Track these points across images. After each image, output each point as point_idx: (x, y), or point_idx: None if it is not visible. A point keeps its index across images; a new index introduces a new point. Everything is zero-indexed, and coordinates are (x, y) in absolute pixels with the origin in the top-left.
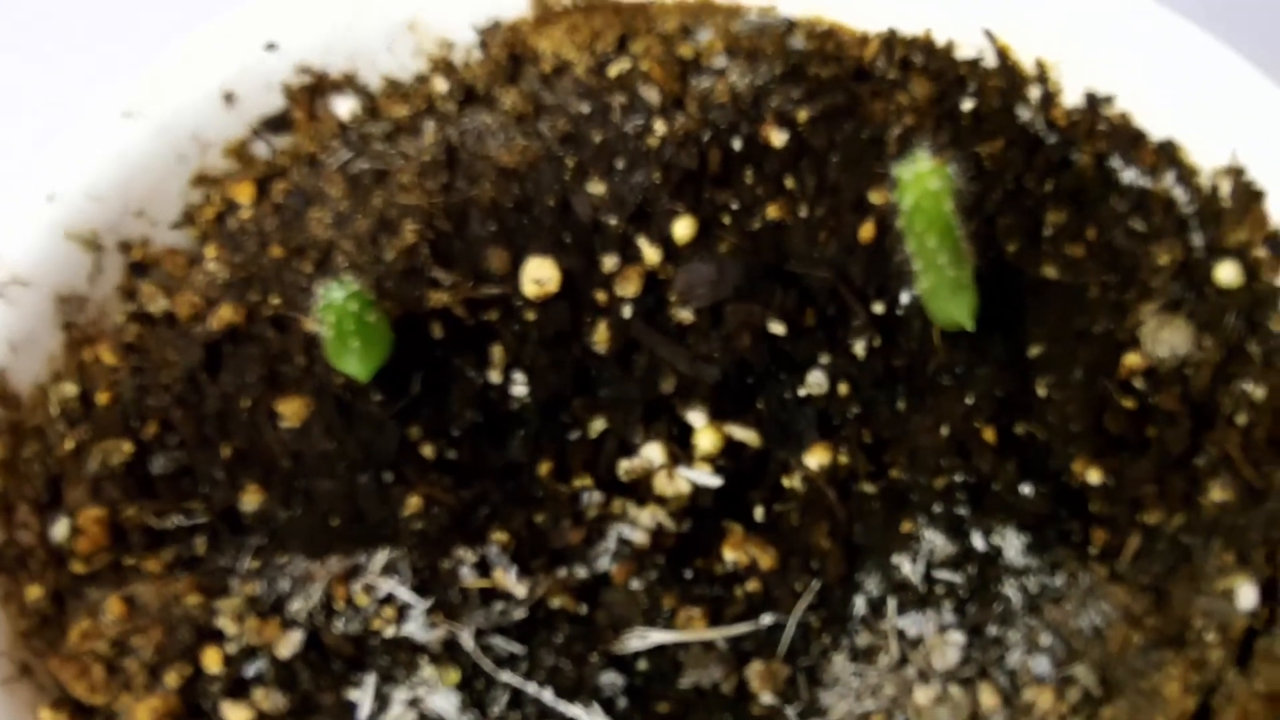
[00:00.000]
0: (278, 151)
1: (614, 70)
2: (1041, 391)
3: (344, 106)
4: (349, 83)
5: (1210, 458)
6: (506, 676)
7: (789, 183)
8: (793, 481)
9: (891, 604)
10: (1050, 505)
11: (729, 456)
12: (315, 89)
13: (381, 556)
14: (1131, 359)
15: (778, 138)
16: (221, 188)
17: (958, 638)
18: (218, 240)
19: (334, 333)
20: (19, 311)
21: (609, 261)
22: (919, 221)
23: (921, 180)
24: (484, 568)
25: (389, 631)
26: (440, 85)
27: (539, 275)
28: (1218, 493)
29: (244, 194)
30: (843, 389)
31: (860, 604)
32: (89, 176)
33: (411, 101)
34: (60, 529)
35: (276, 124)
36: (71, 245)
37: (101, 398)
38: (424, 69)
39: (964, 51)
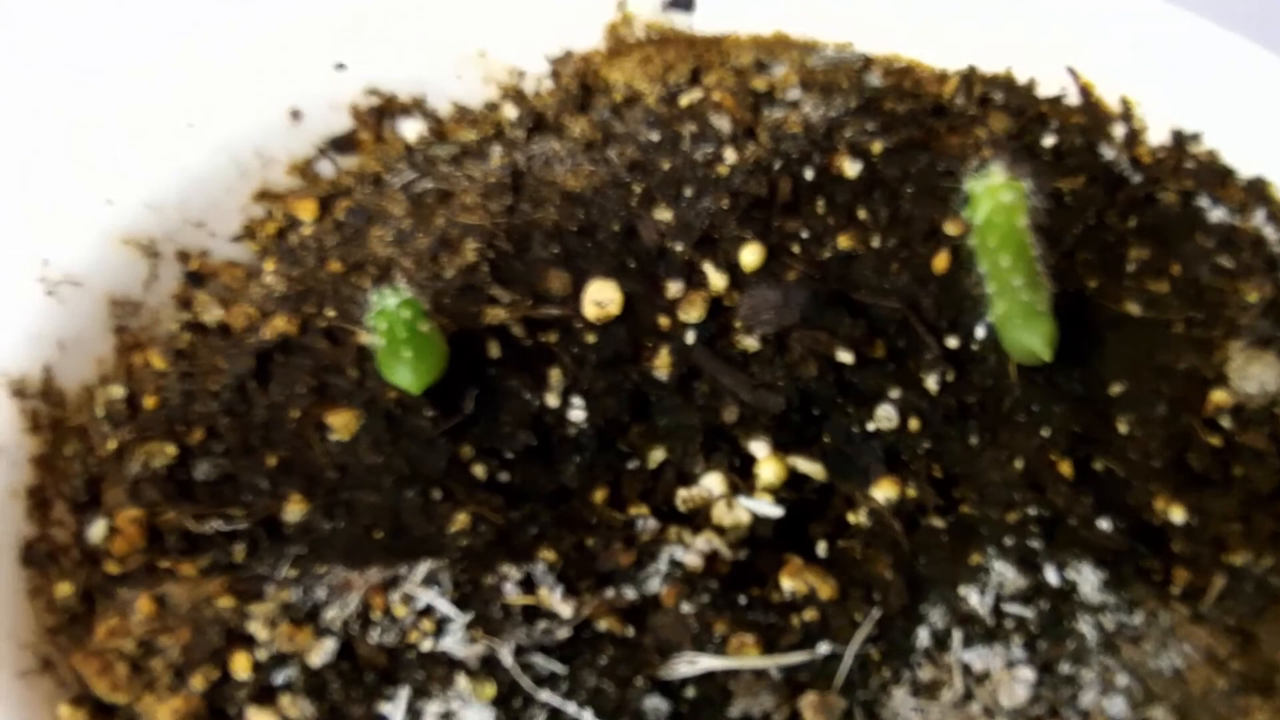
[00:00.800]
0: (342, 171)
1: (685, 100)
2: (1122, 428)
3: (411, 129)
4: (417, 106)
5: None
6: (545, 696)
7: (861, 213)
8: (858, 516)
9: (957, 636)
10: (1129, 541)
11: (791, 489)
12: (383, 111)
13: (423, 568)
14: (1218, 396)
15: (850, 168)
16: (284, 204)
17: (1027, 674)
18: (277, 255)
19: (386, 340)
20: (70, 311)
21: (673, 287)
22: (992, 237)
23: (994, 193)
24: (529, 585)
25: (426, 645)
26: (510, 112)
27: (600, 297)
28: None
29: (306, 210)
30: (913, 424)
31: (924, 636)
32: (149, 185)
33: (479, 127)
34: (97, 529)
35: (343, 144)
36: (128, 251)
37: (148, 401)
38: (494, 96)
39: (1046, 89)
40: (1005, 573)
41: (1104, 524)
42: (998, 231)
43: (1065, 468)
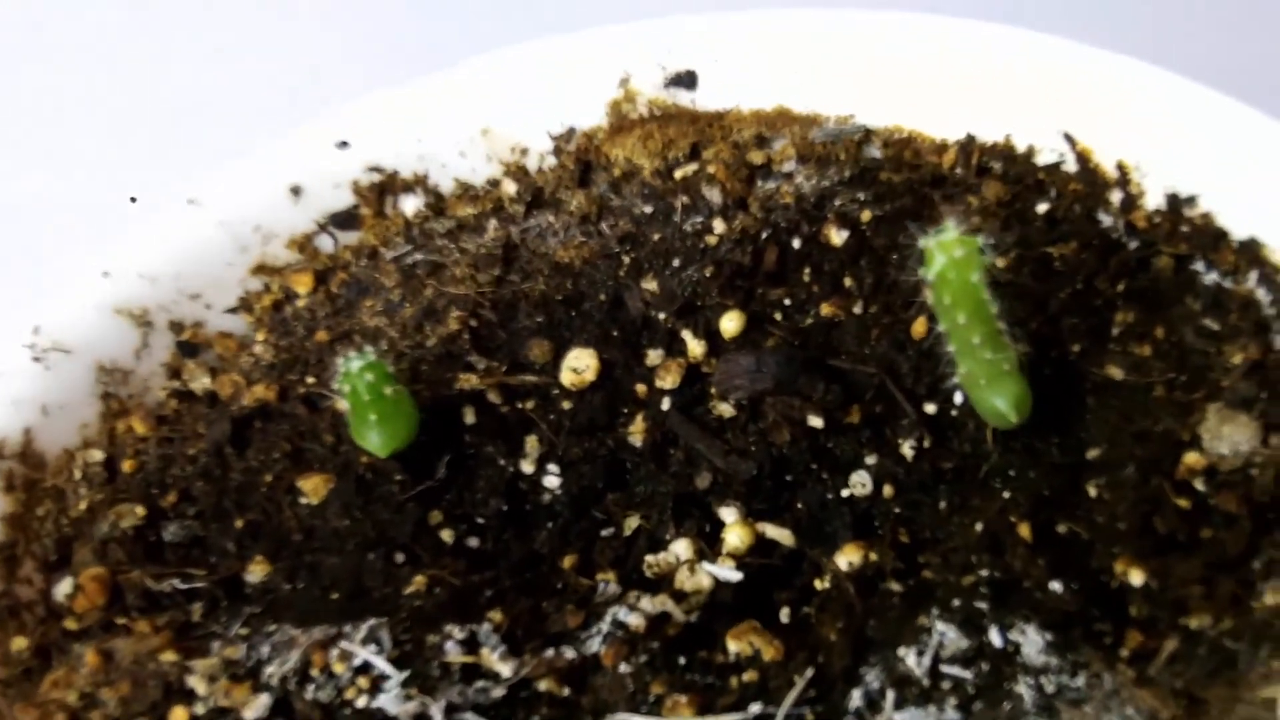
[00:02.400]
0: (341, 245)
1: (680, 173)
2: (1091, 490)
3: (411, 205)
4: (419, 183)
5: (1267, 560)
6: None
7: (846, 280)
8: (824, 583)
9: (890, 697)
10: (1082, 603)
11: (760, 554)
12: (384, 188)
13: (366, 626)
14: (1191, 458)
15: (838, 236)
16: (281, 277)
17: None
18: (269, 326)
19: (352, 404)
20: (57, 377)
21: (653, 354)
22: (946, 293)
23: (946, 249)
24: (472, 644)
25: (361, 701)
26: (510, 188)
27: (578, 364)
28: (1271, 596)
29: (303, 284)
30: (888, 490)
31: (858, 697)
32: (146, 257)
33: (480, 203)
34: (64, 587)
35: (343, 220)
36: (120, 320)
37: (126, 465)
38: (496, 173)
39: (1045, 156)
40: (947, 633)
41: (1056, 586)
42: (951, 287)
43: (1025, 530)
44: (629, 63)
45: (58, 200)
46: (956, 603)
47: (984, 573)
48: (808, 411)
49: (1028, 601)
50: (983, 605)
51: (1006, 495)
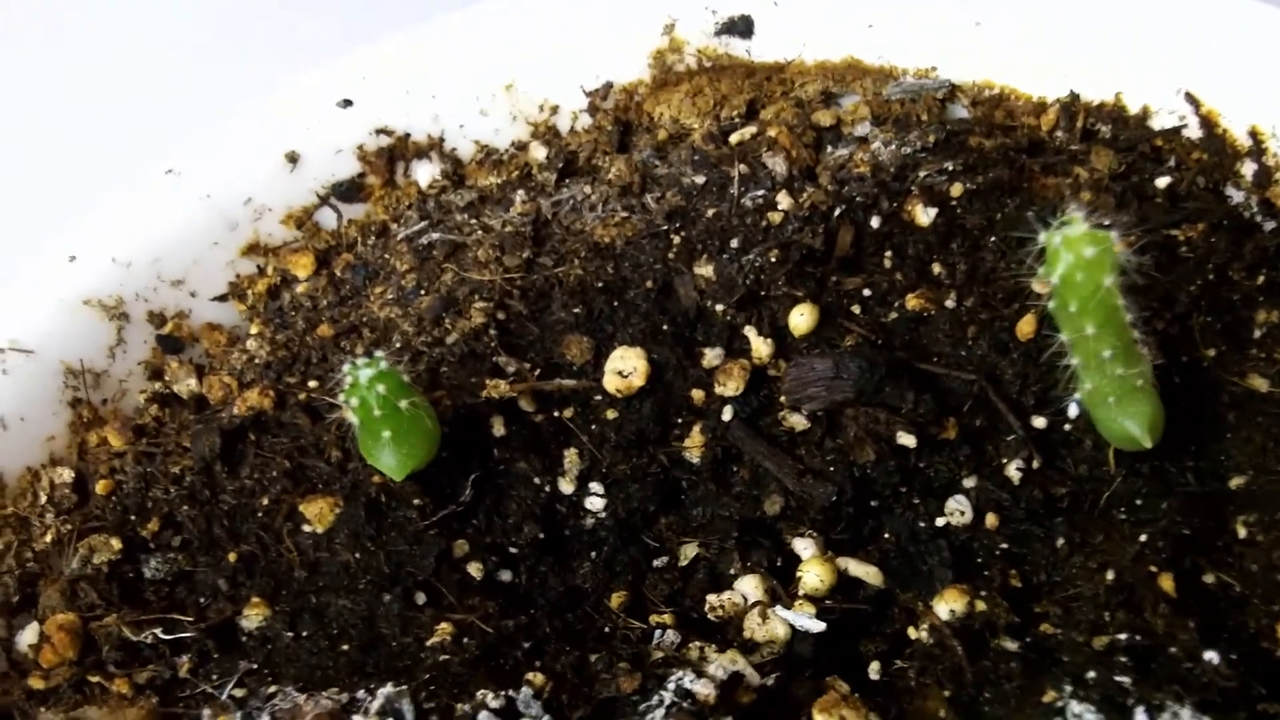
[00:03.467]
0: (346, 221)
1: (737, 138)
2: (1240, 530)
3: (425, 173)
4: (434, 148)
5: None
6: None
7: (935, 268)
8: (919, 632)
9: None
10: (1242, 678)
11: (841, 596)
12: (394, 153)
13: (384, 694)
14: None
15: (924, 215)
16: (278, 259)
17: None
18: (264, 316)
19: (361, 419)
20: (16, 383)
21: (710, 354)
22: (1072, 300)
23: (1074, 247)
24: (510, 715)
25: None
26: (538, 153)
27: (623, 367)
28: None
29: (302, 266)
30: (991, 520)
31: None
32: (119, 238)
33: (504, 170)
34: (28, 635)
35: (348, 190)
36: (90, 312)
37: (100, 486)
38: (522, 135)
39: (1162, 119)
40: (1084, 716)
41: (1211, 656)
42: (1079, 293)
43: (1167, 582)
44: (674, 6)
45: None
46: (1091, 675)
47: (1121, 636)
48: (896, 426)
49: (1176, 674)
50: (1124, 679)
51: (1143, 538)
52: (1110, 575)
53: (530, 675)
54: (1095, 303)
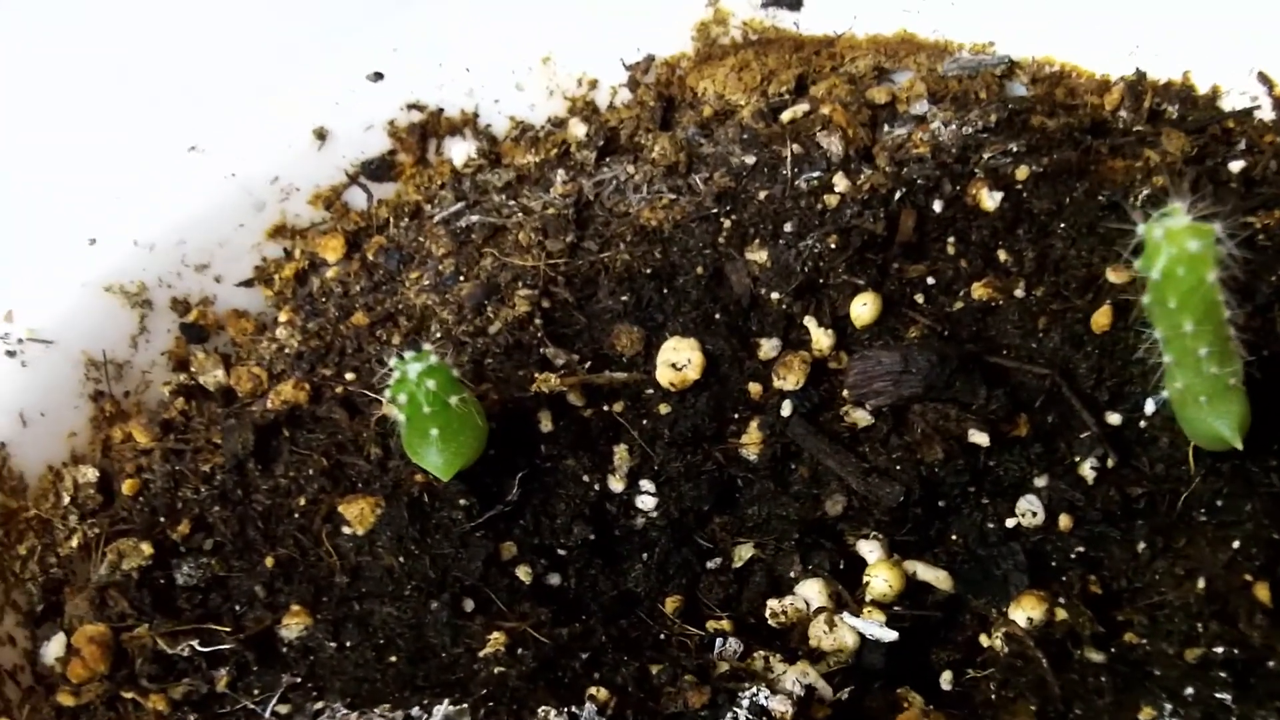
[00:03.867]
0: (377, 201)
1: (788, 115)
2: None
3: (460, 151)
4: (468, 124)
5: None
6: None
7: (1002, 255)
8: (993, 640)
9: None
10: None
11: (910, 602)
12: (427, 129)
13: (442, 711)
14: None
15: (989, 199)
16: (305, 241)
17: None
18: (294, 303)
19: (408, 416)
20: (36, 376)
21: (766, 345)
22: (1172, 295)
23: (1176, 240)
24: None
25: None
26: (577, 130)
27: (677, 359)
28: None
29: (332, 249)
30: (1064, 521)
31: None
32: (141, 220)
33: (541, 148)
34: (54, 646)
35: (378, 169)
36: (112, 299)
37: (126, 486)
38: (560, 111)
39: (1232, 100)
40: None
41: None
42: (1179, 288)
43: (1262, 591)
44: None
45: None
46: (1189, 691)
47: (1216, 649)
48: (967, 423)
49: (1279, 690)
50: (1224, 696)
51: (1236, 544)
52: (1201, 583)
53: (593, 690)
54: (1197, 299)
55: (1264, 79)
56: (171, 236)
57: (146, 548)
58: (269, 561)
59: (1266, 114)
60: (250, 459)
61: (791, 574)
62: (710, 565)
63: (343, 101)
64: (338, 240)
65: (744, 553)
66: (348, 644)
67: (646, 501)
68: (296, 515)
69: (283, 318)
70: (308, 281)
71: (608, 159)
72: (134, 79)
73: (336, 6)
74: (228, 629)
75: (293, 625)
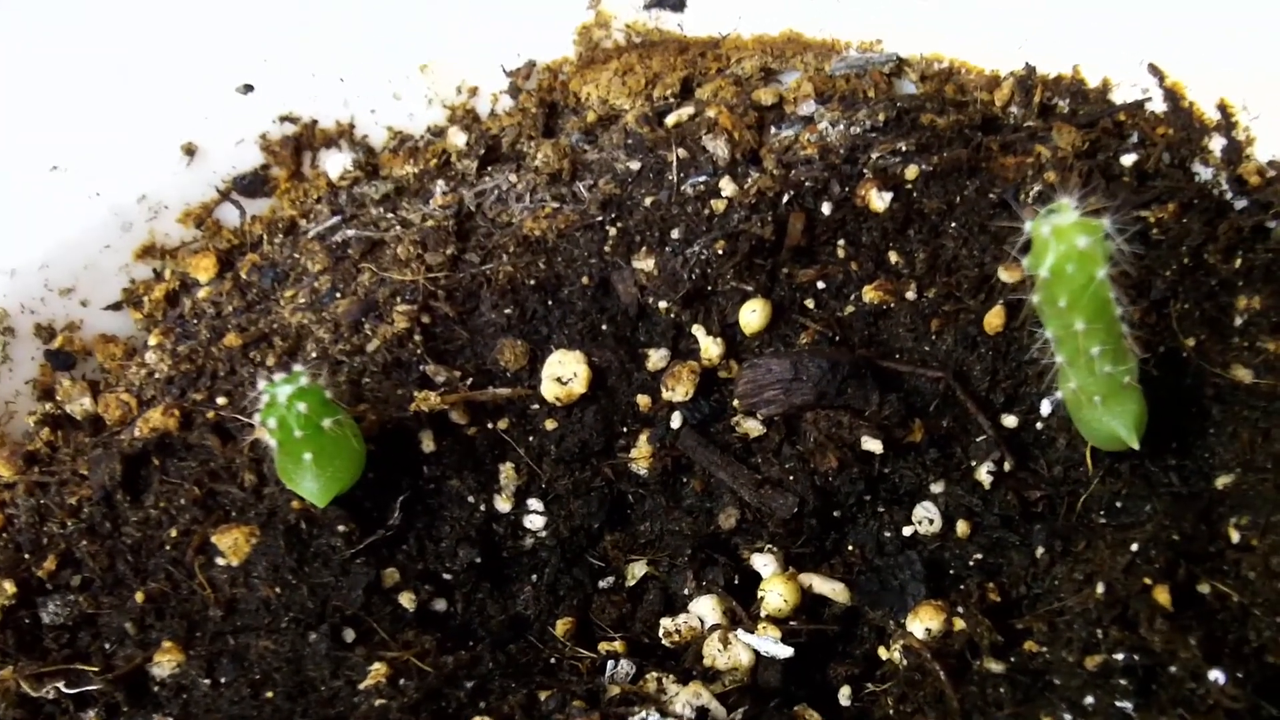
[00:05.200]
0: (250, 218)
1: (673, 119)
2: (1233, 534)
3: (335, 163)
4: (344, 135)
5: None
6: None
7: (893, 257)
8: (891, 653)
9: None
10: (1251, 699)
11: (806, 616)
12: (301, 141)
13: None
14: None
15: (879, 200)
16: (176, 261)
17: None
18: (164, 325)
19: (280, 442)
20: None
21: (655, 356)
22: (1061, 293)
23: (1064, 237)
24: None
25: None
26: (457, 139)
27: (562, 373)
28: None
29: (203, 269)
30: (962, 528)
31: None
32: (2, 245)
33: (421, 158)
34: None
35: (251, 184)
36: None
37: None
38: (439, 119)
39: (1123, 93)
40: None
41: (1216, 675)
42: (1069, 286)
43: (1162, 595)
44: None
45: None
46: (1089, 700)
47: (1117, 655)
48: (860, 430)
49: (1181, 696)
50: (1125, 704)
51: (1134, 546)
52: (1100, 588)
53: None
54: (1087, 296)
55: (1154, 70)
56: (34, 260)
57: (10, 586)
58: (139, 597)
59: (1158, 106)
60: (119, 490)
61: (685, 591)
62: (603, 584)
63: (211, 115)
64: (210, 259)
65: (637, 570)
66: (222, 680)
67: (535, 521)
68: (168, 547)
69: (153, 341)
70: (179, 303)
71: (489, 168)
72: None
73: (203, 18)
74: (96, 669)
75: (164, 663)
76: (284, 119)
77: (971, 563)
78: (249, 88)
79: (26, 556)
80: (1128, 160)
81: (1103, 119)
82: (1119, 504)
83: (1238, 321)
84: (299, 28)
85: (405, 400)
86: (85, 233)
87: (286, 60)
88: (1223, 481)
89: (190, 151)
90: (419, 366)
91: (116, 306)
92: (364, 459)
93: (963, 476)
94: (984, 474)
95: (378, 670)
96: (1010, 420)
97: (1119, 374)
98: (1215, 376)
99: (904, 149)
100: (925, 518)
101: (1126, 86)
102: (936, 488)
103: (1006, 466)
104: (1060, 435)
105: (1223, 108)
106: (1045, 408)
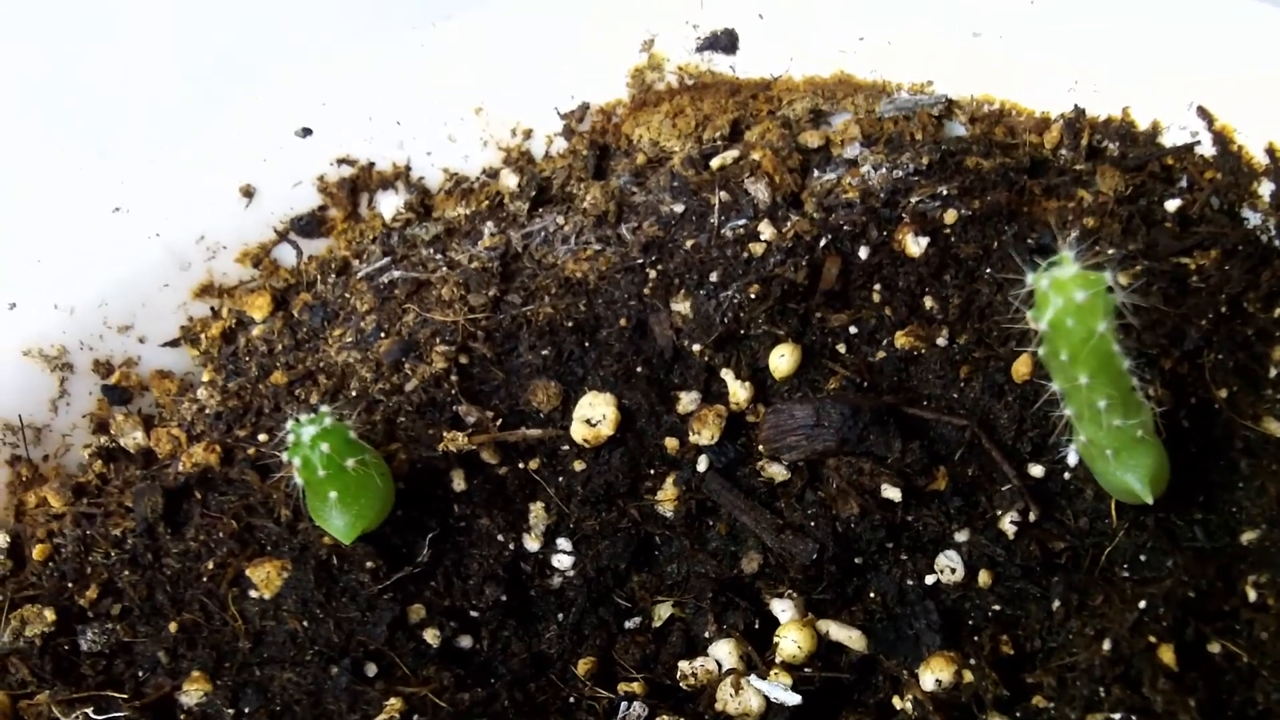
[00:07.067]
0: (307, 258)
1: (718, 162)
2: (1250, 592)
3: (390, 204)
4: (400, 177)
5: None
6: None
7: (928, 302)
8: (904, 703)
9: None
10: None
11: (822, 663)
12: (357, 183)
13: None
14: None
15: (915, 245)
16: (233, 299)
17: None
18: (218, 362)
19: (306, 480)
20: None
21: (685, 399)
22: (1063, 347)
23: (1063, 289)
24: None
25: None
26: (510, 180)
27: (592, 414)
28: None
29: (258, 307)
30: (984, 578)
31: None
32: (63, 283)
33: (474, 199)
34: None
35: (308, 225)
36: (31, 365)
37: (37, 551)
38: (493, 161)
39: (1173, 136)
40: None
41: None
42: (1070, 340)
43: (1167, 654)
44: (654, 20)
45: None
46: None
47: (1115, 716)
48: (881, 477)
49: None
50: None
51: (1143, 604)
52: (1107, 645)
53: None
54: (1088, 351)
55: (1204, 113)
56: (93, 299)
57: (50, 614)
58: (173, 627)
59: (1207, 149)
60: (160, 522)
61: (706, 634)
62: (629, 625)
63: (270, 158)
64: (265, 298)
65: (663, 612)
66: (245, 710)
67: (563, 560)
68: (205, 579)
69: (205, 377)
70: (234, 340)
71: (540, 209)
72: (57, 140)
73: (263, 62)
74: (126, 696)
75: (192, 691)
76: (341, 161)
77: (990, 613)
78: (307, 131)
79: (70, 585)
80: (1171, 206)
81: (1151, 162)
82: (1142, 557)
83: (1273, 373)
84: (356, 72)
85: (437, 440)
86: (144, 272)
87: (344, 104)
88: (1247, 537)
89: (249, 193)
90: (453, 407)
91: (174, 343)
92: (392, 497)
93: (987, 526)
94: (1008, 524)
95: (392, 705)
96: (1037, 470)
97: (1130, 427)
98: (1245, 429)
99: (944, 193)
100: (948, 566)
101: (1176, 129)
102: (960, 536)
103: (1032, 516)
104: (1088, 486)
105: (1271, 151)
106: (1072, 458)
